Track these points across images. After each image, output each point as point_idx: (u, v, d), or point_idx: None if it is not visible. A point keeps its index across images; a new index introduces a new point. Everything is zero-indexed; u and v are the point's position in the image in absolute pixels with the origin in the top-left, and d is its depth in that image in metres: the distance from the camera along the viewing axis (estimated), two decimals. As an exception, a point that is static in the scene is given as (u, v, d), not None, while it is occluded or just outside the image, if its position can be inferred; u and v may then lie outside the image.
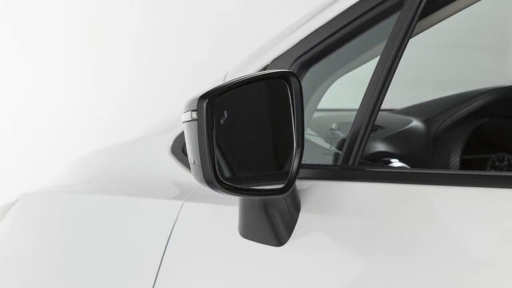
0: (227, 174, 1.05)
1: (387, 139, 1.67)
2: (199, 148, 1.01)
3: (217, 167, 1.03)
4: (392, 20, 1.25)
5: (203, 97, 1.02)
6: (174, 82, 3.97)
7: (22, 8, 3.75)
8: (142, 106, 3.94)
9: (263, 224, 1.19)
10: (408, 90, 3.03)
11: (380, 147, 1.63)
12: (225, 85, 1.05)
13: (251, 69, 1.50)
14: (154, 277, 1.40)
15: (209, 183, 1.03)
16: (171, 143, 1.61)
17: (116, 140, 2.03)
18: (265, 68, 1.46)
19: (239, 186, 1.06)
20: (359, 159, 1.21)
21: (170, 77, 3.98)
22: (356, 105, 1.25)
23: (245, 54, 1.65)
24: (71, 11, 3.83)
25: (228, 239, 1.29)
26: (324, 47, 1.37)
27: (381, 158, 1.61)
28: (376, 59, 1.23)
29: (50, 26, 3.80)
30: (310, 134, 1.50)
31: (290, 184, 1.11)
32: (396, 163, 1.62)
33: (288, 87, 1.11)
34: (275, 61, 1.44)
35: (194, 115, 1.02)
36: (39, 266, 1.73)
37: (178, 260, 1.38)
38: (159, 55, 3.99)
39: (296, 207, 1.20)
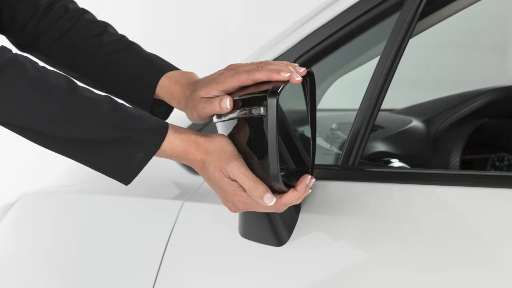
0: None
1: (387, 139, 1.66)
2: (268, 144, 1.02)
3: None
4: (392, 20, 1.25)
5: (272, 94, 1.03)
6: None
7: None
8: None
9: (263, 224, 1.19)
10: (408, 90, 3.03)
11: (380, 147, 1.63)
12: (286, 82, 1.05)
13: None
14: (154, 277, 1.40)
15: (275, 178, 1.04)
16: (171, 143, 1.60)
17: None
18: None
19: (288, 182, 1.06)
20: (359, 159, 1.21)
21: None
22: (356, 105, 1.25)
23: (245, 54, 1.64)
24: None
25: (228, 239, 1.29)
26: (324, 47, 1.37)
27: (381, 158, 1.61)
28: (376, 59, 1.23)
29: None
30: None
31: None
32: (396, 163, 1.62)
33: (306, 83, 1.11)
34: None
35: (262, 111, 1.03)
36: (39, 266, 1.73)
37: (178, 260, 1.38)
38: (159, 55, 3.98)
39: (296, 207, 1.20)
